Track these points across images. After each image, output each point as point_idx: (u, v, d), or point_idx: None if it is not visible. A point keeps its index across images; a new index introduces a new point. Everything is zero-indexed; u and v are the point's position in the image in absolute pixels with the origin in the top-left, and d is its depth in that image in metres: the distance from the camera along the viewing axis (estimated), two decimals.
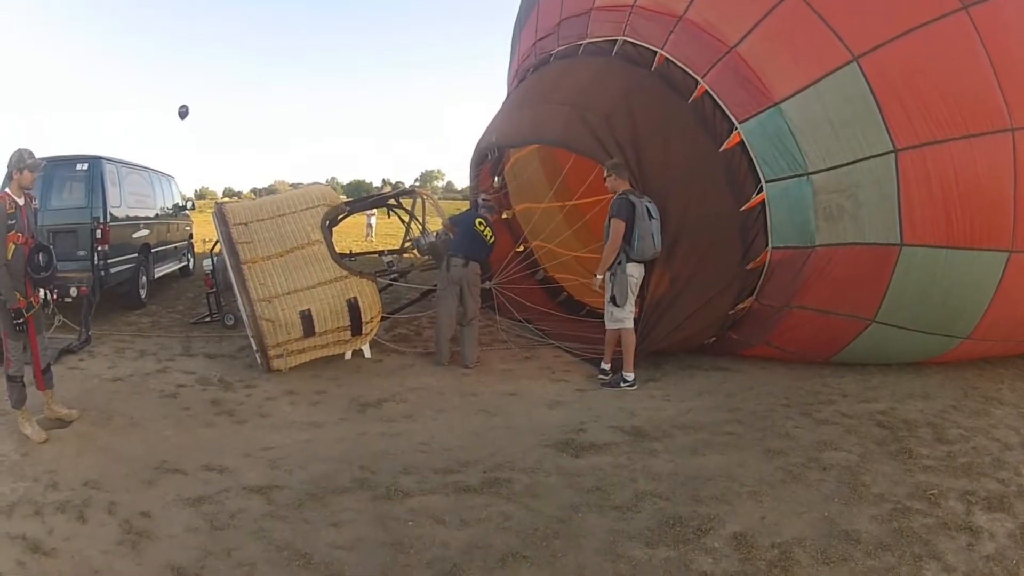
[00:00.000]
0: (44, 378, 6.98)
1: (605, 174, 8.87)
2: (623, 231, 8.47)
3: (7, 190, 6.52)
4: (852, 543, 4.84)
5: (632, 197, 8.51)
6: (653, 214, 8.43)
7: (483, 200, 10.67)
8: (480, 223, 9.90)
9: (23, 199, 6.59)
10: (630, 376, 8.67)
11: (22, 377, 6.68)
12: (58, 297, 7.59)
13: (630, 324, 8.70)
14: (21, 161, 6.51)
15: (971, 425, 7.00)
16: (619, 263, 8.58)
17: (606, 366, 9.02)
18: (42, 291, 6.95)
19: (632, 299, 8.63)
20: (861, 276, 8.03)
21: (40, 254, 6.67)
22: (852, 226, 7.97)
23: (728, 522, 5.14)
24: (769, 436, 6.73)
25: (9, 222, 6.35)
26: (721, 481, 5.76)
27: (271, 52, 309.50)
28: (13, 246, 6.40)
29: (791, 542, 4.86)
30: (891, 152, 7.66)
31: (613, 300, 8.67)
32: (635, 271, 8.60)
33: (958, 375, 8.57)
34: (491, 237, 9.92)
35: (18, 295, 6.48)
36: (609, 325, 8.82)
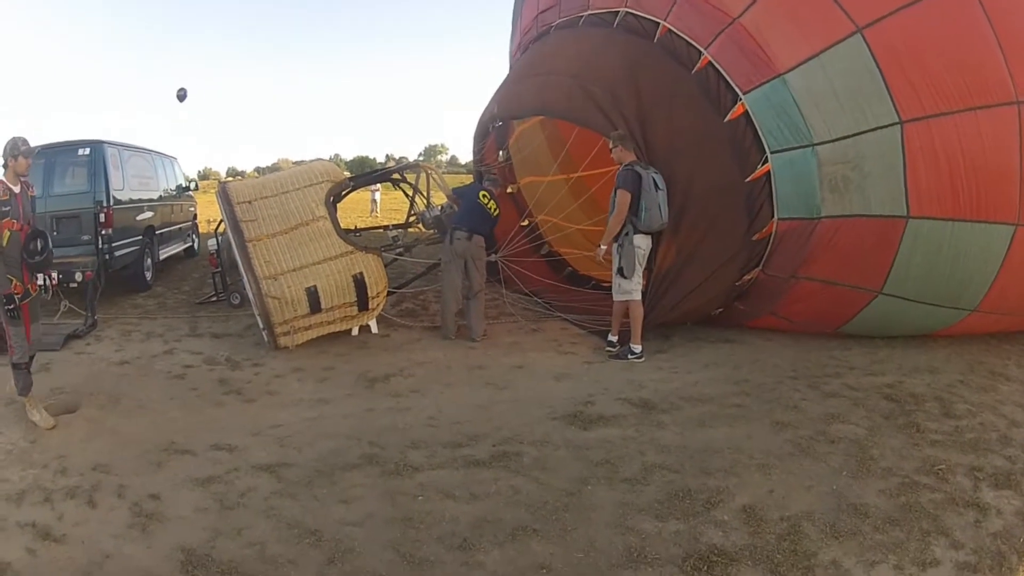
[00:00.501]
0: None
1: (611, 145, 8.81)
2: (629, 202, 8.44)
3: (2, 178, 6.50)
4: (860, 517, 4.84)
5: (638, 168, 8.48)
6: (659, 185, 8.40)
7: (487, 173, 10.65)
8: (484, 196, 9.88)
9: (19, 186, 6.57)
10: (638, 348, 8.66)
11: (27, 364, 6.67)
12: (56, 283, 7.57)
13: (638, 296, 8.69)
14: (15, 148, 6.49)
15: (978, 400, 6.98)
16: (626, 234, 8.55)
17: (613, 338, 9.02)
18: (40, 278, 6.91)
19: (639, 271, 8.61)
20: (867, 248, 8.01)
21: (36, 240, 6.65)
22: (858, 198, 7.95)
23: (737, 495, 5.15)
24: (777, 408, 6.73)
25: (3, 208, 6.34)
26: (729, 453, 5.77)
27: (267, 29, 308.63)
28: (8, 232, 6.38)
29: (800, 515, 4.87)
30: (896, 124, 7.63)
31: (621, 272, 8.64)
32: (642, 242, 8.57)
33: (964, 350, 8.55)
34: (495, 210, 9.91)
35: (13, 280, 6.46)
36: (617, 297, 8.80)
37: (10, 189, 6.46)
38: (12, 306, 6.47)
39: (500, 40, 13.90)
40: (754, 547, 4.52)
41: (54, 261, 10.51)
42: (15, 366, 6.63)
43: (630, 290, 8.67)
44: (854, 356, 8.32)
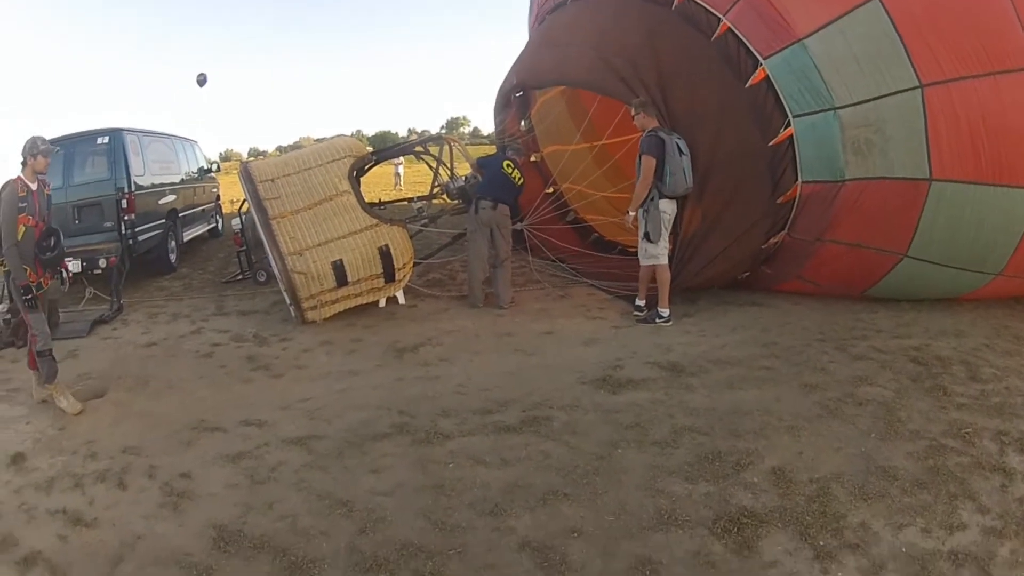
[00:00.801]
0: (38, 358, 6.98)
1: (632, 112, 8.80)
2: (654, 167, 8.43)
3: (21, 175, 6.59)
4: (889, 480, 4.85)
5: (662, 133, 8.47)
6: (683, 150, 8.40)
7: (511, 143, 10.65)
8: (508, 165, 9.88)
9: (36, 184, 6.67)
10: (665, 312, 8.67)
11: (51, 350, 6.73)
12: (72, 275, 7.67)
13: (664, 260, 8.70)
14: (35, 147, 6.58)
15: (1003, 365, 6.93)
16: (651, 200, 8.54)
17: (641, 303, 9.03)
18: (60, 270, 7.01)
19: (666, 235, 8.61)
20: (892, 210, 7.97)
21: (50, 237, 6.76)
22: (881, 161, 7.92)
23: (766, 457, 5.16)
24: (805, 371, 6.71)
25: (20, 205, 6.43)
26: (758, 416, 5.78)
27: (285, 10, 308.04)
28: (23, 228, 6.47)
29: (829, 477, 4.89)
30: (917, 87, 7.60)
31: (647, 236, 8.64)
32: (668, 207, 8.57)
33: (990, 314, 8.49)
34: (520, 179, 9.91)
35: (27, 270, 6.54)
36: (644, 262, 8.81)
37: (27, 186, 6.56)
38: (30, 296, 6.56)
39: (521, 11, 13.92)
40: (784, 509, 4.55)
41: (73, 251, 10.74)
42: (39, 354, 6.71)
43: (656, 254, 8.67)
44: (880, 319, 8.28)
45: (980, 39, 7.44)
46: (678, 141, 8.42)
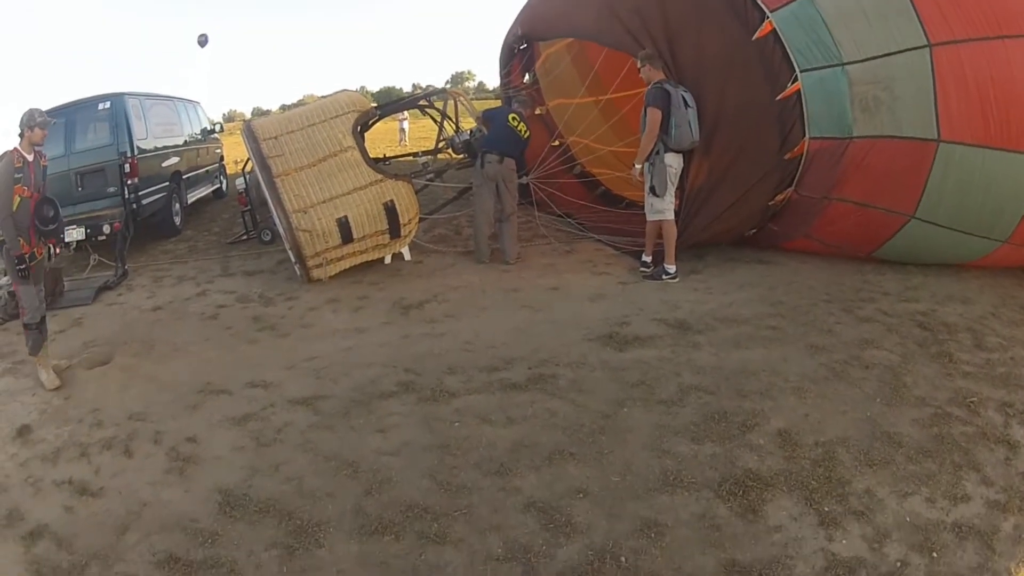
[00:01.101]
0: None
1: (639, 64, 8.71)
2: (660, 120, 8.37)
3: (18, 147, 6.60)
4: (894, 446, 4.87)
5: (667, 86, 8.39)
6: (689, 103, 8.33)
7: (516, 95, 10.58)
8: (514, 118, 9.79)
9: (32, 156, 6.66)
10: (672, 268, 8.65)
11: (37, 323, 6.72)
12: (60, 251, 7.66)
13: (671, 215, 8.65)
14: (32, 119, 6.58)
15: (1009, 334, 6.91)
16: (657, 153, 8.49)
17: (647, 258, 8.98)
18: (48, 246, 7.00)
19: (672, 189, 8.56)
20: (899, 170, 7.92)
21: (46, 207, 6.76)
22: (889, 119, 7.86)
23: (772, 418, 5.18)
24: (811, 331, 6.72)
25: (16, 175, 6.44)
26: (765, 376, 5.79)
27: None
28: (19, 199, 6.47)
29: (834, 441, 4.91)
30: (926, 46, 7.54)
31: (653, 191, 8.60)
32: (674, 161, 8.50)
33: (996, 282, 8.42)
34: (525, 132, 9.82)
35: (21, 240, 6.53)
36: (650, 216, 8.76)
37: (24, 157, 6.55)
38: (23, 266, 6.55)
39: None
40: (789, 472, 4.57)
41: (77, 218, 10.75)
42: (26, 326, 6.72)
43: (662, 209, 8.62)
44: (888, 282, 8.25)
45: (991, 2, 7.40)
46: (684, 93, 8.34)
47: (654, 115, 8.34)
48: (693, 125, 8.32)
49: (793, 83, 8.18)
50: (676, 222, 8.71)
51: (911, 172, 7.83)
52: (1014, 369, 6.09)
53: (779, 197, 8.77)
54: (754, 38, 8.32)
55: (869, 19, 7.79)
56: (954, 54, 7.44)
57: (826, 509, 4.25)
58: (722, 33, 8.56)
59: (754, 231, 9.44)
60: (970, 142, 7.53)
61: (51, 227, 6.76)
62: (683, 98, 8.30)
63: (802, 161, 8.45)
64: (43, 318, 6.77)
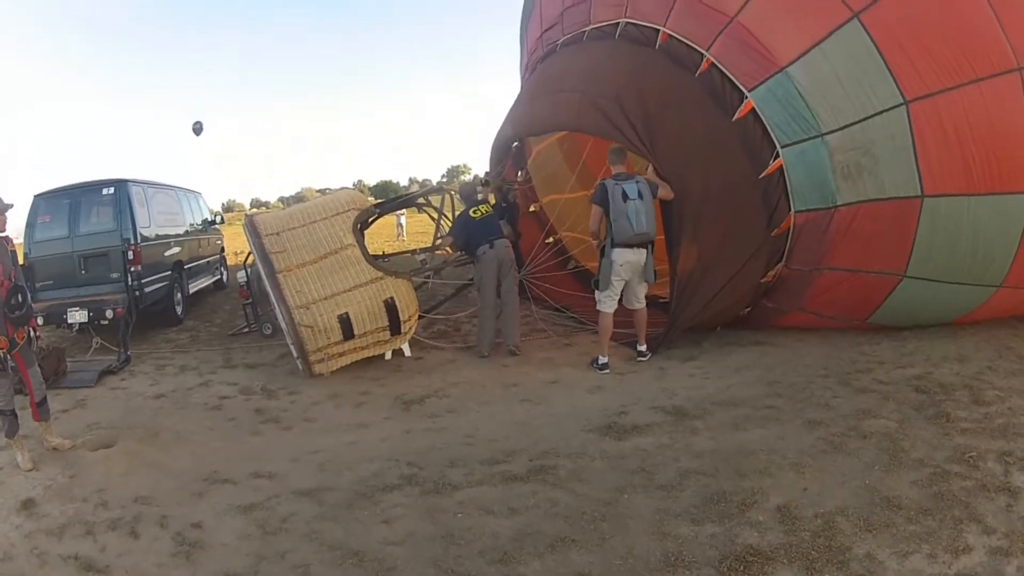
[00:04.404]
0: (40, 411, 7.03)
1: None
2: (599, 216, 8.59)
3: None
4: (893, 509, 4.87)
5: (608, 181, 8.55)
6: (630, 195, 8.38)
7: (506, 185, 10.90)
8: (474, 212, 10.04)
9: None
10: (603, 359, 8.81)
11: (12, 410, 6.73)
12: (40, 335, 7.69)
13: (605, 308, 8.83)
14: None
15: (1006, 385, 6.95)
16: (603, 247, 8.68)
17: (642, 347, 9.07)
18: (28, 329, 7.02)
19: (616, 285, 8.71)
20: (886, 232, 8.04)
21: (17, 295, 6.72)
22: (872, 182, 8.01)
23: (771, 495, 5.19)
24: (808, 407, 6.75)
25: None
26: (763, 455, 5.80)
27: (277, 60, 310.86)
28: None
29: (834, 511, 4.91)
30: (902, 104, 7.70)
31: (596, 283, 8.82)
32: (619, 256, 8.59)
33: (992, 336, 8.51)
34: (486, 211, 10.07)
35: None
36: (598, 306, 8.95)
37: None
38: (3, 360, 6.61)
39: (514, 60, 14.19)
40: (789, 545, 4.57)
41: (81, 301, 10.85)
42: (0, 413, 6.73)
43: (600, 299, 8.84)
44: (883, 350, 8.30)
45: (961, 47, 7.56)
46: (626, 186, 8.43)
47: (593, 211, 8.61)
48: (634, 217, 8.36)
49: (775, 159, 8.37)
50: (671, 307, 8.90)
51: (898, 232, 7.97)
52: (1012, 419, 6.14)
53: (771, 274, 8.89)
54: (734, 119, 8.52)
55: (844, 85, 7.96)
56: (931, 107, 7.62)
57: None
58: (702, 116, 8.77)
59: (748, 309, 9.53)
60: (954, 192, 7.70)
61: (17, 313, 6.71)
62: (623, 191, 8.38)
63: (790, 235, 8.58)
64: (13, 411, 6.76)
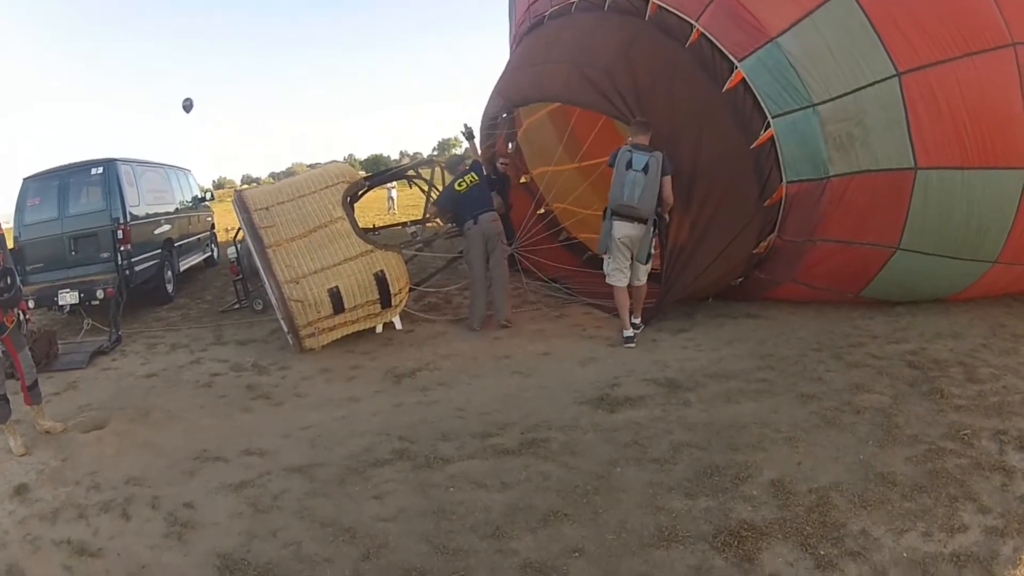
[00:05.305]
0: (31, 394, 6.99)
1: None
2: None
3: None
4: (888, 486, 4.88)
5: (625, 147, 8.42)
6: (635, 166, 8.27)
7: (498, 157, 10.84)
8: (459, 184, 9.90)
9: None
10: (628, 332, 8.66)
11: (4, 395, 6.69)
12: (31, 317, 7.62)
13: (616, 283, 8.70)
14: None
15: (1001, 364, 6.97)
16: (605, 210, 8.63)
17: (636, 320, 9.01)
18: (18, 312, 6.97)
19: (619, 255, 8.59)
20: (879, 203, 8.03)
21: (5, 277, 6.73)
22: (864, 154, 7.99)
23: (765, 469, 5.19)
24: (801, 381, 6.75)
25: None
26: (756, 428, 5.81)
27: (269, 37, 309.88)
28: None
29: (828, 487, 4.91)
30: (894, 76, 7.67)
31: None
32: (617, 229, 8.50)
33: (986, 314, 8.52)
34: (471, 181, 9.88)
35: None
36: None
37: None
38: None
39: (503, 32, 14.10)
40: (784, 520, 4.56)
41: (71, 283, 10.77)
42: None
43: (608, 273, 8.75)
44: (876, 325, 8.32)
45: (954, 21, 7.53)
46: (636, 155, 8.31)
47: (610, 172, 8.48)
48: (628, 187, 8.27)
49: (766, 130, 8.32)
50: (662, 277, 8.85)
51: (891, 204, 7.96)
52: (1007, 397, 6.16)
53: (763, 244, 8.85)
54: (724, 89, 8.47)
55: (835, 56, 7.93)
56: (923, 79, 7.59)
57: (822, 552, 4.24)
58: (692, 87, 8.73)
59: (741, 280, 9.50)
60: (947, 165, 7.68)
61: (5, 296, 6.70)
62: (630, 160, 8.28)
63: (782, 206, 8.55)
64: (5, 396, 6.72)
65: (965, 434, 5.50)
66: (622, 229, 8.48)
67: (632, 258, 8.62)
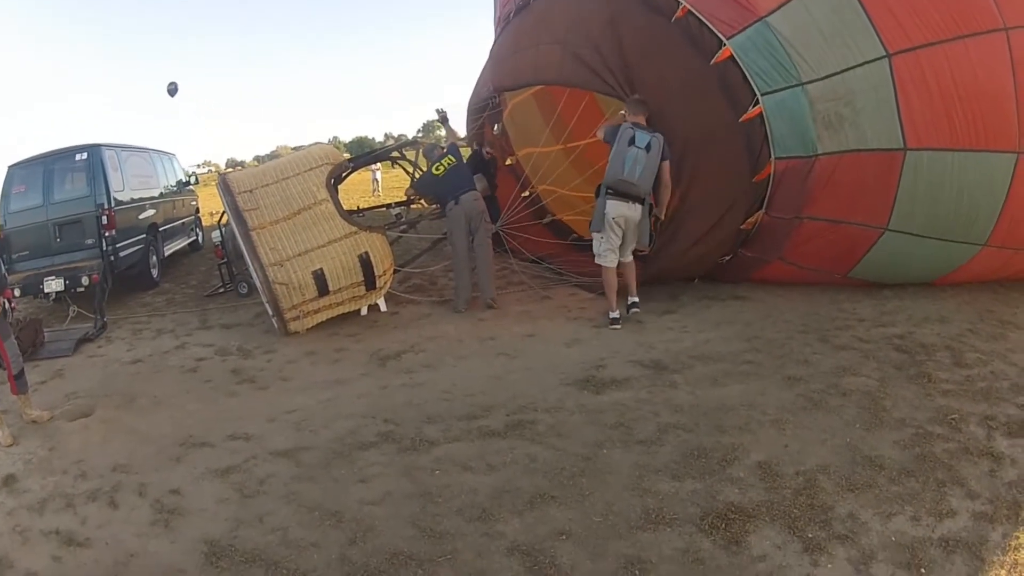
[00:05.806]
0: (17, 383, 6.95)
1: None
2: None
3: None
4: (876, 469, 4.89)
5: (626, 124, 8.34)
6: (638, 143, 8.16)
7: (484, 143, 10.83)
8: (436, 168, 9.88)
9: None
10: (614, 314, 8.56)
11: None
12: (16, 306, 7.58)
13: (606, 262, 8.57)
14: None
15: (988, 349, 6.99)
16: (599, 188, 8.54)
17: (634, 299, 8.86)
18: (3, 300, 6.94)
19: (611, 234, 8.43)
20: (868, 183, 8.03)
21: None
22: (853, 133, 7.99)
23: (752, 451, 5.19)
24: (788, 364, 6.76)
25: None
26: (743, 410, 5.81)
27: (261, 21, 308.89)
28: None
29: (815, 469, 4.91)
30: (884, 57, 7.67)
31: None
32: (612, 209, 8.35)
33: (974, 298, 8.54)
34: (448, 165, 9.85)
35: None
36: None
37: None
38: None
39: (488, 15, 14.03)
40: (771, 503, 4.56)
41: (56, 270, 10.71)
42: None
43: (598, 253, 8.62)
44: (863, 308, 8.33)
45: (946, 4, 7.53)
46: (640, 132, 8.21)
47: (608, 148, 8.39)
48: (629, 163, 8.15)
49: (754, 106, 8.29)
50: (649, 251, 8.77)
51: (880, 184, 7.95)
52: (994, 383, 6.17)
53: (750, 220, 8.84)
54: (712, 63, 8.42)
55: (825, 36, 7.93)
56: (913, 61, 7.58)
57: (810, 535, 4.24)
58: (680, 61, 8.69)
59: (728, 257, 9.46)
60: (937, 146, 7.69)
61: None
62: (632, 136, 8.18)
63: (770, 182, 8.53)
64: None
65: (953, 419, 5.51)
66: (617, 208, 8.37)
67: (623, 238, 8.53)
